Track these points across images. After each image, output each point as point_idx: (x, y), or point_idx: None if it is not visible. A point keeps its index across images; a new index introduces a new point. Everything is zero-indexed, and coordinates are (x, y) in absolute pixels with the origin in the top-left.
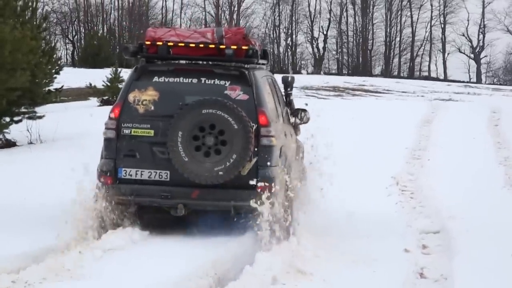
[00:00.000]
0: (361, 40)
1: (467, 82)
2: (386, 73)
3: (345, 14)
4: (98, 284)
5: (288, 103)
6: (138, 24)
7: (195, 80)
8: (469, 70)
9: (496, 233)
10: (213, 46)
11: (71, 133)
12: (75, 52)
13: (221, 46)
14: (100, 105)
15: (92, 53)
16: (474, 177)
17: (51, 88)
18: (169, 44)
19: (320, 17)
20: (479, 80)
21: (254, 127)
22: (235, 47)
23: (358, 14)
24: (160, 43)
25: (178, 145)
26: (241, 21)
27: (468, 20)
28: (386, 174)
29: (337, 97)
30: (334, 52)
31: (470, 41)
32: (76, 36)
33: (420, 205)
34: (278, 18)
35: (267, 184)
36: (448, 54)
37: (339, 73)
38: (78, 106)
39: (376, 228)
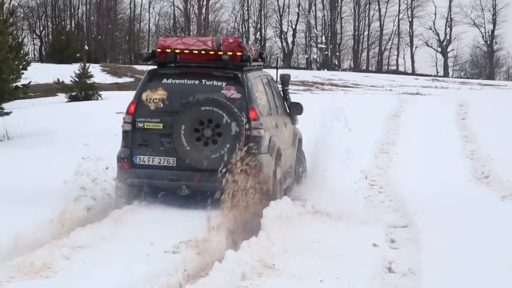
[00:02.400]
0: (329, 34)
1: (435, 75)
2: (355, 67)
3: (313, 8)
4: (66, 282)
5: (285, 97)
6: (106, 18)
7: (197, 81)
8: (436, 64)
9: (463, 227)
10: (212, 52)
11: (39, 130)
12: (43, 48)
13: (219, 53)
14: (68, 101)
15: (60, 48)
16: (441, 171)
17: (18, 84)
18: (176, 51)
19: (288, 11)
20: (446, 74)
21: (245, 121)
22: (231, 53)
23: (326, 8)
24: (169, 50)
25: (181, 136)
26: (210, 16)
27: (435, 14)
28: (355, 168)
29: (306, 92)
30: (302, 46)
31: (438, 34)
32: (43, 31)
33: (388, 199)
34: (247, 12)
35: (256, 168)
36: (415, 48)
37: (308, 67)
38: (46, 102)
39: (345, 222)
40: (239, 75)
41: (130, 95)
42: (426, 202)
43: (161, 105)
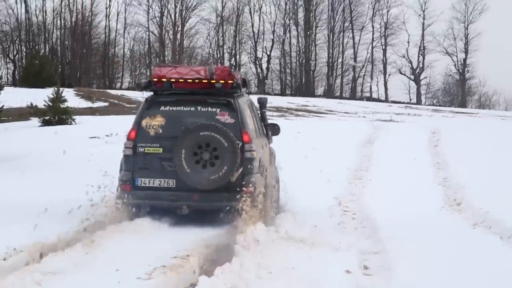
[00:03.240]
0: (304, 61)
1: (408, 103)
2: (329, 94)
3: (288, 35)
4: None
5: (263, 119)
6: (81, 43)
7: (192, 108)
8: (409, 91)
9: (435, 254)
10: (206, 81)
11: (11, 154)
12: (16, 72)
13: (212, 81)
14: (41, 125)
15: (34, 73)
16: (414, 197)
17: None
18: (171, 80)
19: (263, 37)
20: (419, 101)
21: (239, 144)
22: (222, 81)
23: (301, 35)
24: (165, 79)
25: (182, 159)
26: (184, 41)
27: (408, 42)
28: (329, 194)
29: (280, 117)
30: (277, 73)
31: (411, 62)
32: (17, 56)
33: (361, 225)
34: (221, 38)
35: (251, 188)
36: (389, 75)
37: (282, 93)
38: (19, 126)
39: (319, 249)
40: (232, 102)
41: (104, 119)
42: (399, 229)
43: (160, 131)
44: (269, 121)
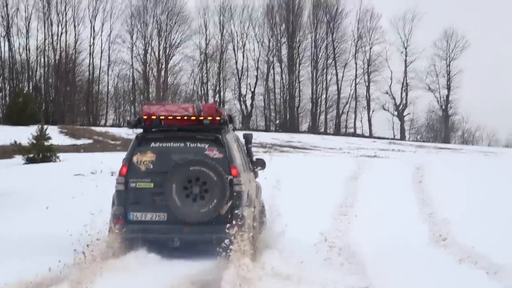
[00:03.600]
0: (288, 97)
1: (392, 138)
2: (313, 129)
3: (272, 71)
4: None
5: (249, 154)
6: (65, 81)
7: (182, 144)
8: (393, 127)
9: None
10: (194, 117)
11: None
12: (0, 110)
13: (200, 118)
14: (25, 163)
15: (18, 110)
16: (399, 233)
17: None
18: (161, 117)
19: (247, 74)
20: (403, 137)
21: (228, 178)
22: (210, 118)
23: (284, 71)
24: (154, 117)
25: (172, 194)
26: (169, 78)
27: (391, 79)
28: (315, 230)
29: (265, 154)
30: (261, 109)
31: (394, 98)
32: (0, 94)
33: (348, 261)
34: (205, 75)
35: (240, 220)
36: (373, 111)
37: (267, 129)
38: (3, 164)
39: (305, 285)
40: (220, 137)
41: (88, 157)
42: (385, 265)
43: (151, 166)
44: (255, 157)
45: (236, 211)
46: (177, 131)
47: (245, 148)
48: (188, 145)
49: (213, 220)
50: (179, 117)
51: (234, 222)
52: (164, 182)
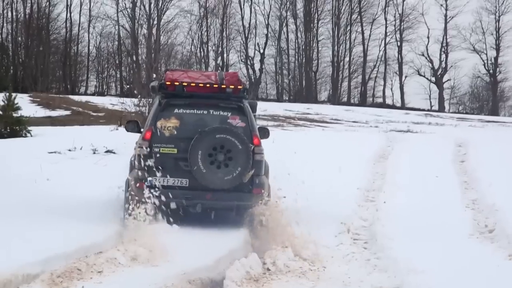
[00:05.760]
0: (304, 60)
1: (428, 110)
2: (334, 99)
3: (285, 29)
4: None
5: None
6: (37, 39)
7: (205, 112)
8: (430, 96)
9: None
10: (216, 85)
11: None
12: None
13: (223, 86)
14: None
15: None
16: (437, 223)
17: None
18: (184, 84)
19: (255, 32)
20: (441, 108)
21: (252, 147)
22: (232, 86)
23: (300, 29)
24: (177, 83)
25: (198, 160)
26: (162, 38)
27: (428, 38)
28: (335, 219)
29: (276, 128)
30: (272, 74)
31: (431, 62)
32: None
33: (375, 256)
34: (206, 34)
35: (260, 188)
36: (405, 77)
37: (279, 99)
38: None
39: (324, 285)
40: (242, 106)
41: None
42: (420, 260)
43: (175, 132)
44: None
45: (257, 180)
46: (200, 98)
47: None
48: (211, 112)
49: (235, 187)
50: (202, 85)
51: (255, 190)
52: (189, 148)
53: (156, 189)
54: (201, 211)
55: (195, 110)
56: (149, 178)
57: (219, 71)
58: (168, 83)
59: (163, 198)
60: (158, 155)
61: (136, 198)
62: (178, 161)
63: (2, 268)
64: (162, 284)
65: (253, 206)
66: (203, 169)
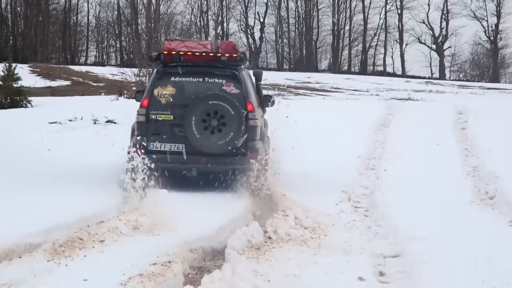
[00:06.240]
0: (304, 29)
1: (429, 78)
2: (334, 68)
3: None
4: None
5: (258, 91)
6: (36, 9)
7: (200, 79)
8: (430, 64)
9: (465, 257)
10: (212, 54)
11: None
12: None
13: (218, 54)
14: None
15: None
16: (438, 190)
17: None
18: (180, 53)
19: (255, 1)
20: (442, 76)
21: (245, 113)
22: (228, 55)
23: None
24: (174, 52)
25: (192, 126)
26: (161, 7)
27: (428, 5)
28: (336, 188)
29: (277, 97)
30: (272, 43)
31: (432, 29)
32: None
33: (376, 224)
34: (205, 2)
35: (254, 153)
36: (406, 45)
37: (279, 68)
38: None
39: (325, 252)
40: (237, 74)
41: (66, 101)
42: (421, 228)
43: (171, 100)
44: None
45: (250, 144)
46: (196, 66)
47: (254, 84)
48: (206, 80)
49: (228, 152)
50: (198, 53)
51: (248, 154)
52: (184, 114)
53: (154, 154)
54: (198, 175)
55: (190, 78)
56: (147, 143)
57: (214, 40)
58: (165, 52)
59: (160, 162)
60: (155, 122)
61: (135, 162)
62: (174, 127)
63: (4, 238)
64: (164, 253)
65: (248, 170)
66: (197, 134)
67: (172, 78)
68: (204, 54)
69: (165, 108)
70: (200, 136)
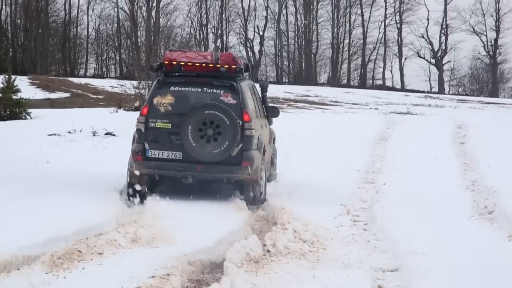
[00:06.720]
0: (303, 43)
1: (428, 92)
2: (334, 81)
3: (284, 11)
4: None
5: (264, 101)
6: (36, 22)
7: (199, 89)
8: (430, 78)
9: (463, 272)
10: (211, 65)
11: None
12: None
13: (217, 65)
14: None
15: None
16: (437, 204)
17: None
18: (181, 63)
19: (255, 15)
20: (441, 90)
21: (240, 123)
22: (227, 66)
23: (300, 11)
24: (175, 62)
25: (188, 134)
26: (161, 20)
27: (428, 20)
28: (335, 201)
29: None
30: (272, 57)
31: (431, 43)
32: None
33: (374, 238)
34: (205, 16)
35: (249, 162)
36: (405, 59)
37: (279, 81)
38: None
39: (324, 266)
40: (235, 85)
41: (65, 113)
42: (419, 242)
43: (170, 108)
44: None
45: (245, 154)
46: (195, 77)
47: (260, 95)
48: (205, 90)
49: (224, 160)
50: (198, 64)
51: (243, 163)
52: (181, 123)
53: (152, 161)
54: (194, 182)
55: (189, 88)
56: (146, 151)
57: (214, 51)
58: (166, 62)
59: (157, 169)
60: (154, 130)
61: (134, 170)
62: (172, 135)
63: (2, 249)
64: (162, 266)
65: (242, 178)
66: (193, 143)
67: (172, 88)
68: (204, 64)
69: (164, 116)
70: (196, 144)
